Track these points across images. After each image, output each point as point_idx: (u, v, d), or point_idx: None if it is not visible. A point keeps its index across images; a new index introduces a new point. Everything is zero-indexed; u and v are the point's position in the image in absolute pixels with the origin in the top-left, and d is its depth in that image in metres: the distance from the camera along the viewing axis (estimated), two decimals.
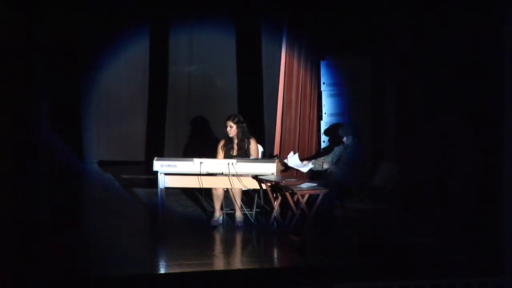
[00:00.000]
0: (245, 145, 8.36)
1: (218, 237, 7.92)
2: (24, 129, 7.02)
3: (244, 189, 8.20)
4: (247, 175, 8.04)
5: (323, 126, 9.45)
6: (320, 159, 8.51)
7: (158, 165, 8.00)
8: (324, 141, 9.45)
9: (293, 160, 8.41)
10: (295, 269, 6.70)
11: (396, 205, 7.82)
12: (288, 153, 9.37)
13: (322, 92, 9.49)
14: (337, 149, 8.45)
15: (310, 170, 8.48)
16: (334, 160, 8.36)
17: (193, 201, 9.25)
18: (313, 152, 9.46)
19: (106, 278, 6.16)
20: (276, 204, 7.90)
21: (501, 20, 6.48)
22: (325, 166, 8.35)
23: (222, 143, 8.45)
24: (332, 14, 9.03)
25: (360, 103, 9.25)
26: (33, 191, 7.63)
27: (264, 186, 7.97)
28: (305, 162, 8.46)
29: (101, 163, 10.96)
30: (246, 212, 8.25)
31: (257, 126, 9.35)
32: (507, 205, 6.34)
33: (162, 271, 6.69)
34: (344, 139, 8.34)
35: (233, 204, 8.26)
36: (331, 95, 9.45)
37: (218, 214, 8.24)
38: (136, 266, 6.64)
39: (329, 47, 9.44)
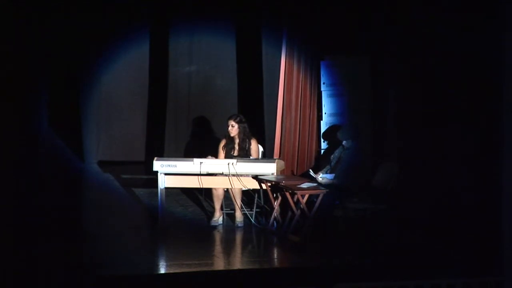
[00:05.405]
0: (246, 145, 8.36)
1: (218, 237, 7.92)
2: (24, 129, 7.02)
3: (244, 189, 8.20)
4: (247, 175, 8.04)
5: (323, 126, 9.45)
6: (323, 172, 8.44)
7: (158, 165, 8.00)
8: (324, 141, 9.45)
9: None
10: (295, 269, 6.70)
11: (396, 205, 7.82)
12: (288, 153, 9.38)
13: (322, 92, 9.49)
14: (336, 151, 8.44)
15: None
16: (333, 163, 8.36)
17: (193, 201, 9.25)
18: (313, 152, 9.47)
19: (106, 278, 6.16)
20: (276, 204, 7.90)
21: (503, 24, 6.48)
22: (325, 181, 8.25)
23: (223, 143, 8.45)
24: (331, 14, 9.02)
25: (360, 103, 9.25)
26: (33, 191, 7.64)
27: (264, 186, 7.97)
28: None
29: (101, 163, 10.97)
30: (246, 212, 8.25)
31: (257, 126, 9.35)
32: (506, 206, 6.34)
33: (162, 271, 6.69)
34: (344, 142, 8.34)
35: (233, 204, 8.26)
36: (331, 95, 9.45)
37: (218, 214, 8.24)
38: (136, 266, 6.63)
39: (329, 47, 9.44)
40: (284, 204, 7.87)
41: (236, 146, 8.38)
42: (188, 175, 8.07)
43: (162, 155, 9.84)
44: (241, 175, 7.99)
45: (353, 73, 9.33)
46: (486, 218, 6.86)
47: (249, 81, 10.54)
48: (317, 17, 9.15)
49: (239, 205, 8.18)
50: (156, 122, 10.96)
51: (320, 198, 7.56)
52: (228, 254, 7.28)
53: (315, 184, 7.83)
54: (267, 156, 9.28)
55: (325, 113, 9.45)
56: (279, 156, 9.32)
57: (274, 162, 8.04)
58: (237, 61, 10.75)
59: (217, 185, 8.14)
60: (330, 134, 9.23)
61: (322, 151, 9.42)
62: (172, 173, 8.04)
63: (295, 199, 7.64)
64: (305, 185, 7.69)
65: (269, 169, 7.97)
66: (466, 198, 7.26)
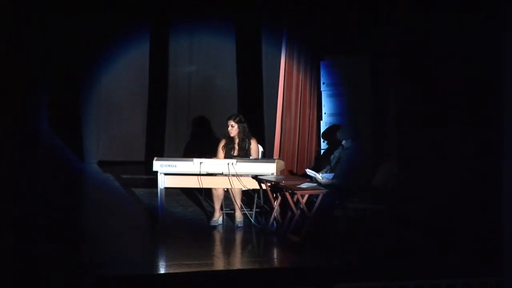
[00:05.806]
0: (245, 145, 8.36)
1: (218, 237, 7.92)
2: (24, 129, 7.02)
3: (244, 189, 8.20)
4: (247, 175, 8.04)
5: (323, 126, 9.45)
6: (323, 172, 8.43)
7: (158, 165, 8.01)
8: (324, 141, 9.45)
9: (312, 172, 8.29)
10: (295, 270, 6.70)
11: (396, 205, 7.82)
12: (288, 153, 9.38)
13: (322, 92, 9.49)
14: (336, 151, 8.44)
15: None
16: (333, 163, 8.35)
17: (193, 201, 9.25)
18: (313, 152, 9.45)
19: (106, 278, 6.16)
20: (276, 204, 7.90)
21: (503, 24, 6.48)
22: (325, 180, 8.21)
23: (222, 143, 8.45)
24: (331, 14, 9.02)
25: (360, 103, 9.25)
26: (33, 191, 7.64)
27: (264, 186, 7.97)
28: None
29: (101, 163, 10.97)
30: (246, 212, 8.25)
31: (257, 126, 9.36)
32: (506, 206, 6.34)
33: (162, 271, 6.69)
34: (344, 142, 8.34)
35: (233, 204, 8.26)
36: (331, 95, 9.45)
37: (218, 214, 8.24)
38: (136, 266, 6.64)
39: (328, 47, 9.44)
40: (284, 204, 7.87)
41: (236, 146, 8.38)
42: (188, 175, 8.07)
43: (162, 155, 9.84)
44: (241, 175, 7.99)
45: (353, 73, 9.33)
46: (486, 218, 6.86)
47: (249, 81, 10.54)
48: (317, 17, 9.15)
49: (239, 205, 8.18)
50: (156, 122, 10.97)
51: (320, 198, 7.56)
52: (228, 254, 7.28)
53: (315, 184, 7.83)
54: (267, 156, 9.28)
55: (325, 113, 9.45)
56: (279, 156, 9.32)
57: (274, 162, 8.04)
58: (237, 61, 10.75)
59: (217, 185, 8.14)
60: (330, 134, 9.23)
61: (322, 151, 9.42)
62: (172, 173, 8.05)
63: (295, 199, 7.64)
64: (305, 185, 7.69)
65: (269, 169, 7.97)
66: (466, 198, 7.26)
